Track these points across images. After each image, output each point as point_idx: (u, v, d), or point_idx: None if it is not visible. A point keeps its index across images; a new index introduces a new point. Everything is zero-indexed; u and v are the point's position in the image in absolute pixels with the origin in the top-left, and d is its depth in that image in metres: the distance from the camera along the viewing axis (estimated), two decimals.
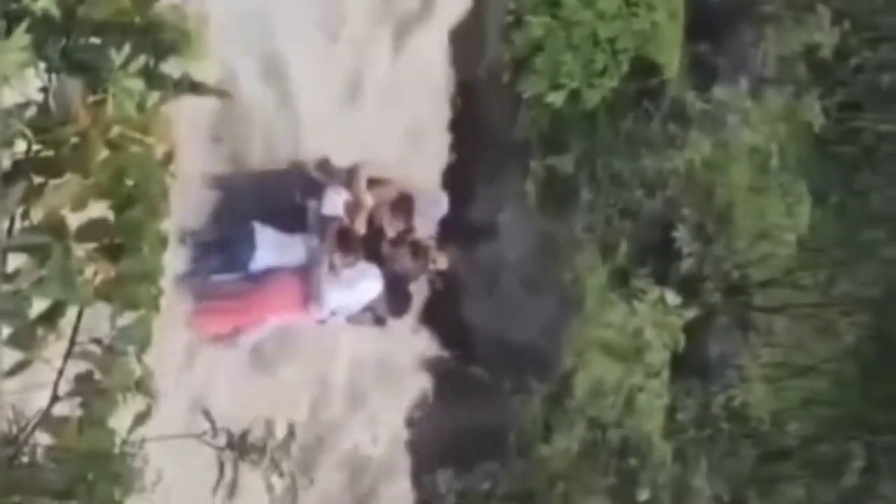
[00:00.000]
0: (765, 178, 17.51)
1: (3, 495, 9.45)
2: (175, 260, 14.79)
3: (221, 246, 15.54)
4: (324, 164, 16.12)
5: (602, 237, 17.38)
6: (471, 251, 17.39)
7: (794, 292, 18.00)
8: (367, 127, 16.64)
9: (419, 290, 17.10)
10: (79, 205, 9.72)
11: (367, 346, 16.87)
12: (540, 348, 17.17)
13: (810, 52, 17.63)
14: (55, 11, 9.19)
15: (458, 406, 17.37)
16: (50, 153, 9.57)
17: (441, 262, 16.51)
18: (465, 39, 17.38)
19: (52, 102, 9.42)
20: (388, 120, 16.96)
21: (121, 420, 9.77)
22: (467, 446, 17.23)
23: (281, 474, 12.72)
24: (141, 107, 10.44)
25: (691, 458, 17.60)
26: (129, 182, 10.90)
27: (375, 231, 16.05)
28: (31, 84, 9.21)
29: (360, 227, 15.83)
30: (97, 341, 9.61)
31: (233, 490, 12.44)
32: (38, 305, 9.11)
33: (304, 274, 15.50)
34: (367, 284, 15.84)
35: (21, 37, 8.87)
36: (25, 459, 9.56)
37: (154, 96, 10.40)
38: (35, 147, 9.34)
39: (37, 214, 9.17)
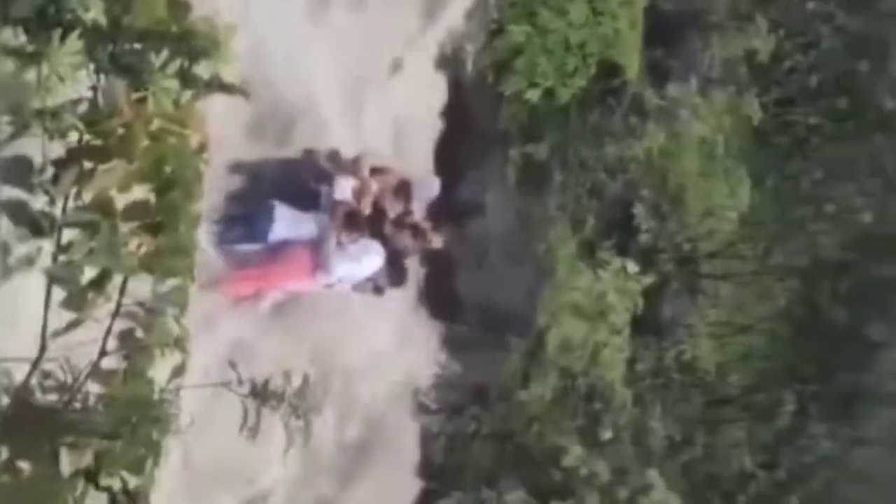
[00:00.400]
0: (711, 165, 17.53)
1: (60, 435, 9.44)
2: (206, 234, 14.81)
3: (245, 219, 15.55)
4: (334, 155, 16.14)
5: (572, 214, 17.44)
6: (461, 228, 17.33)
7: (736, 262, 18.06)
8: (372, 123, 16.64)
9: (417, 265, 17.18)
10: (124, 187, 9.70)
11: (373, 312, 16.68)
12: (519, 310, 17.17)
13: (750, 57, 17.68)
14: (103, 21, 9.14)
15: (449, 359, 17.21)
16: (99, 142, 9.57)
17: (436, 242, 16.54)
18: (455, 47, 17.21)
19: (100, 99, 9.44)
20: (390, 117, 16.92)
21: (159, 372, 9.86)
22: (457, 391, 17.28)
23: (297, 417, 12.53)
24: (177, 103, 10.40)
25: (648, 402, 17.68)
26: (168, 168, 10.87)
27: (379, 213, 16.07)
28: (82, 83, 9.29)
29: (366, 210, 15.88)
30: (140, 304, 9.67)
31: (255, 431, 12.25)
32: (89, 273, 9.06)
33: (315, 247, 15.56)
34: (369, 259, 15.88)
35: (74, 43, 8.86)
36: (78, 405, 9.59)
37: (188, 94, 10.38)
38: (86, 137, 9.42)
39: (87, 195, 9.29)
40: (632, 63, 17.21)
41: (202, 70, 10.20)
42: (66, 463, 9.46)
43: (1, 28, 8.68)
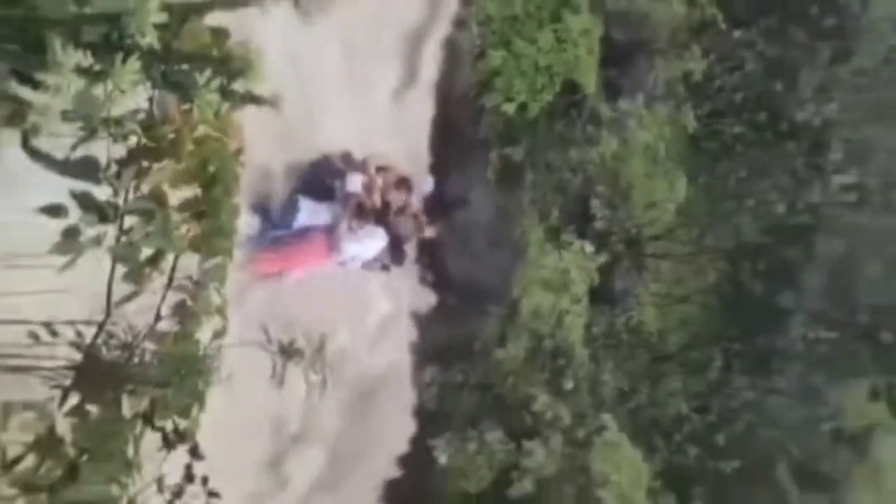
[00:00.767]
0: (654, 166, 17.50)
1: (122, 385, 9.51)
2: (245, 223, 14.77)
3: (275, 210, 15.62)
4: (346, 157, 16.17)
5: (541, 206, 17.39)
6: (450, 217, 17.25)
7: (674, 244, 18.05)
8: (378, 131, 16.60)
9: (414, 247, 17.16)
10: (174, 183, 9.63)
11: (379, 286, 16.70)
12: (497, 283, 17.16)
13: (686, 77, 17.64)
14: (157, 46, 9.05)
15: (441, 324, 17.17)
16: (153, 145, 9.54)
17: (430, 232, 16.68)
18: (446, 69, 17.19)
19: (155, 110, 9.40)
20: (393, 126, 16.87)
21: (203, 333, 9.81)
22: (446, 350, 17.21)
23: (315, 371, 12.52)
24: (217, 114, 10.33)
25: (602, 359, 17.65)
26: (211, 168, 10.80)
27: (384, 204, 16.09)
28: (140, 96, 9.28)
29: (374, 202, 15.96)
30: (188, 278, 9.65)
31: (281, 381, 12.26)
32: (146, 252, 9.05)
33: (330, 232, 15.64)
34: (374, 242, 15.93)
35: (133, 64, 8.81)
36: (137, 360, 9.67)
37: (227, 106, 10.26)
38: (143, 141, 9.40)
39: (144, 188, 9.28)
40: (590, 82, 17.15)
41: (238, 86, 10.17)
42: (127, 407, 9.46)
43: (73, 51, 8.64)
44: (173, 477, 9.88)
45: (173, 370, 9.72)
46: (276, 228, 15.53)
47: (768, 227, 17.84)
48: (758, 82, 17.65)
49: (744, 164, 17.79)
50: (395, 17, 16.68)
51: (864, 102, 17.39)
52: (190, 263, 9.90)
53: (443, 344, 17.16)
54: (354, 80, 16.24)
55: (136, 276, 9.22)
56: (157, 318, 9.52)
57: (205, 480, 9.89)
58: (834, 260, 17.64)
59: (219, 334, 10.02)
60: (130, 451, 9.53)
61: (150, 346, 9.57)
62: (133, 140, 9.16)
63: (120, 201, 8.94)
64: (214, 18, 11.09)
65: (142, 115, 9.21)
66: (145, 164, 9.15)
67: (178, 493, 9.77)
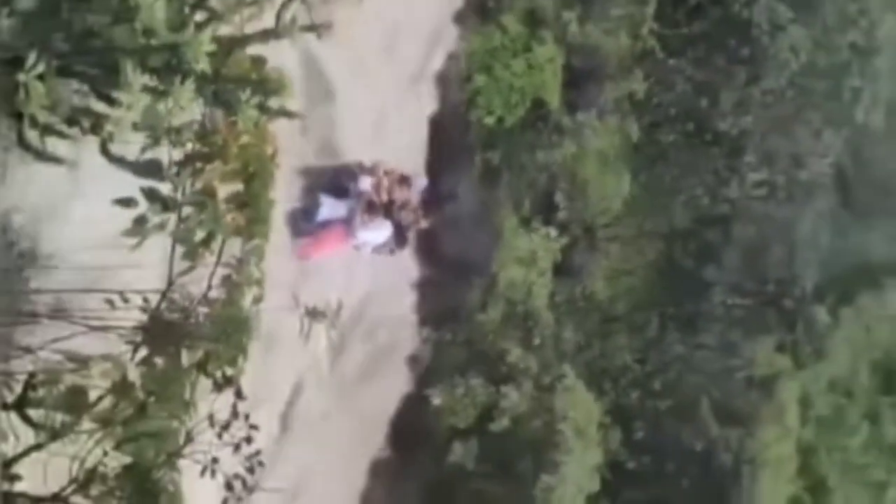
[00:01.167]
0: (605, 167, 17.39)
1: (181, 341, 9.48)
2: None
3: (303, 207, 15.69)
4: (359, 163, 16.21)
5: (515, 199, 17.26)
6: (441, 208, 17.16)
7: (622, 230, 17.86)
8: (384, 139, 16.55)
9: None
10: (223, 180, 9.62)
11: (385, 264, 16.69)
12: (480, 261, 17.09)
13: (631, 96, 17.47)
14: (208, 70, 8.97)
15: (434, 293, 17.19)
16: (206, 150, 9.47)
17: (425, 223, 16.70)
18: (439, 89, 17.16)
19: (207, 122, 9.34)
20: (396, 135, 16.78)
21: (246, 300, 9.72)
22: (439, 313, 17.15)
23: (335, 328, 12.52)
24: (257, 125, 10.29)
25: (563, 321, 17.51)
26: (251, 168, 10.75)
27: (390, 201, 16.18)
28: (195, 111, 9.11)
29: (381, 199, 16.07)
30: (233, 256, 9.59)
31: (307, 337, 12.25)
32: (200, 235, 9.03)
33: (347, 223, 15.81)
34: (381, 231, 16.11)
35: (189, 85, 8.81)
36: (192, 321, 9.60)
37: (264, 119, 10.21)
38: (197, 146, 9.25)
39: (199, 185, 9.14)
40: (554, 99, 17.09)
41: (273, 103, 10.14)
42: (185, 359, 9.46)
43: (142, 75, 8.63)
44: (222, 414, 9.87)
45: (222, 329, 9.73)
46: (305, 221, 15.63)
47: (696, 215, 17.73)
48: (687, 100, 17.56)
49: (676, 166, 17.66)
50: (401, 48, 16.67)
51: (772, 116, 17.36)
52: (234, 245, 9.89)
53: (436, 309, 17.11)
54: (365, 99, 16.24)
55: (192, 254, 9.23)
56: (209, 287, 9.51)
57: (247, 416, 9.88)
58: (747, 242, 17.57)
59: (257, 300, 10.03)
60: (188, 393, 9.56)
61: (203, 309, 9.55)
62: (189, 146, 9.17)
63: (179, 195, 8.93)
64: (254, 49, 11.08)
65: (196, 126, 9.21)
66: (199, 165, 9.16)
67: (225, 426, 9.75)
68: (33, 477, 9.15)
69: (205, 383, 9.93)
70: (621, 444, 16.91)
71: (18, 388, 9.35)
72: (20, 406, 9.26)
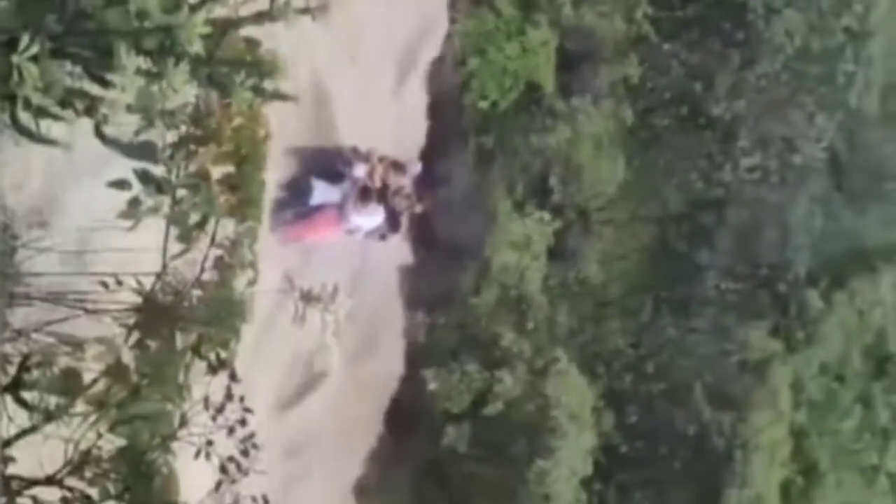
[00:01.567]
0: (599, 151, 17.45)
1: (174, 324, 9.42)
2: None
3: (295, 190, 15.64)
4: (354, 149, 16.16)
5: (508, 183, 17.30)
6: (435, 192, 17.14)
7: (615, 213, 17.92)
8: (379, 126, 16.56)
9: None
10: (215, 162, 9.57)
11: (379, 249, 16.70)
12: (474, 245, 17.15)
13: (625, 80, 17.52)
14: (202, 53, 8.93)
15: (428, 276, 17.18)
16: (199, 133, 9.42)
17: (419, 207, 16.66)
18: (433, 74, 17.14)
19: (201, 104, 9.27)
20: (390, 118, 16.79)
21: (239, 283, 9.69)
22: (433, 297, 17.18)
23: (330, 312, 12.50)
24: (250, 108, 10.24)
25: (556, 305, 17.61)
26: (244, 151, 10.72)
27: (384, 186, 16.14)
28: (189, 94, 9.05)
29: (375, 184, 16.01)
30: (226, 238, 9.57)
31: (302, 321, 12.23)
32: (193, 218, 9.00)
33: (340, 208, 15.72)
34: (373, 218, 16.03)
35: (183, 67, 8.80)
36: (186, 303, 9.55)
37: (258, 101, 10.17)
38: (191, 129, 9.21)
39: (192, 167, 9.13)
40: (548, 83, 17.15)
41: (267, 85, 10.10)
42: (179, 341, 9.43)
43: (136, 57, 8.60)
44: (216, 396, 9.87)
45: (215, 311, 9.69)
46: (297, 205, 15.57)
47: (689, 199, 17.81)
48: (682, 84, 17.60)
49: (670, 150, 17.73)
50: (395, 32, 16.63)
51: (766, 100, 17.38)
52: (228, 226, 9.87)
53: (429, 293, 17.14)
54: (360, 82, 16.21)
55: (186, 236, 9.17)
56: (202, 270, 9.48)
57: (241, 399, 9.88)
58: (740, 226, 17.64)
59: (251, 283, 9.97)
60: (182, 376, 9.53)
61: (196, 292, 9.52)
62: (183, 128, 9.12)
63: (173, 177, 8.89)
64: (248, 31, 11.05)
65: (190, 109, 9.15)
66: (193, 147, 9.09)
67: (220, 409, 9.74)
68: (27, 459, 9.17)
69: (199, 366, 9.92)
70: (614, 427, 17.00)
71: (13, 371, 9.35)
72: (15, 388, 9.26)
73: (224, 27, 9.54)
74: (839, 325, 17.57)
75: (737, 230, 17.58)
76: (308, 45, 15.05)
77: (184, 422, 9.55)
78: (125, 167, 9.06)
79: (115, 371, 9.17)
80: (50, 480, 9.21)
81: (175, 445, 9.64)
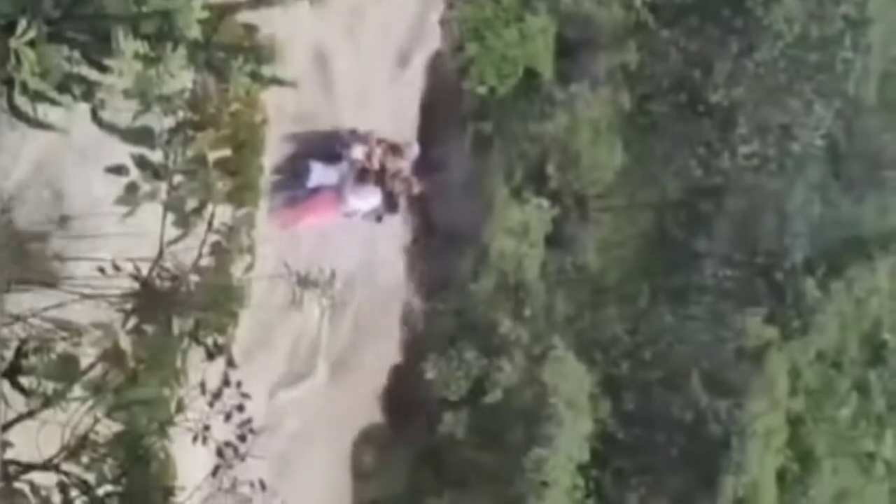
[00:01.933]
0: (597, 137, 17.41)
1: (171, 309, 9.39)
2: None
3: (293, 173, 15.50)
4: (352, 131, 16.04)
5: (506, 170, 17.25)
6: (432, 177, 17.03)
7: (613, 200, 17.91)
8: (378, 110, 16.49)
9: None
10: (212, 147, 9.53)
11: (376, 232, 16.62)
12: (471, 231, 17.09)
13: (623, 66, 17.49)
14: (200, 38, 8.90)
15: (425, 262, 17.18)
16: (197, 117, 9.38)
17: (416, 188, 16.52)
18: (432, 59, 17.07)
19: (198, 89, 9.23)
20: (389, 103, 16.72)
21: (237, 268, 9.68)
22: (430, 283, 17.17)
23: (327, 297, 12.49)
24: (248, 93, 10.23)
25: (554, 292, 17.60)
26: (242, 136, 10.69)
27: (382, 167, 16.04)
28: (186, 78, 9.01)
29: (373, 166, 15.91)
30: (224, 224, 9.55)
31: (299, 306, 12.23)
32: (191, 203, 8.99)
33: (337, 190, 15.60)
34: (370, 200, 15.92)
35: (181, 52, 8.73)
36: (184, 289, 9.50)
37: (256, 87, 10.18)
38: (188, 114, 9.17)
39: (190, 152, 9.10)
40: (547, 70, 17.08)
41: (265, 70, 10.08)
42: (176, 326, 9.41)
43: (133, 41, 8.58)
44: (213, 382, 9.88)
45: (212, 297, 9.67)
46: (295, 188, 15.48)
47: (687, 187, 17.82)
48: (680, 71, 17.57)
49: (668, 137, 17.71)
50: (393, 16, 16.58)
51: (764, 87, 17.37)
52: (225, 212, 9.85)
53: (427, 278, 17.13)
54: (358, 67, 16.16)
55: (183, 222, 9.17)
56: (200, 255, 9.47)
57: (238, 384, 9.89)
58: (738, 213, 17.64)
59: (249, 268, 9.95)
60: (179, 361, 9.52)
61: (194, 277, 9.51)
62: (181, 113, 9.10)
63: (170, 162, 8.89)
64: (246, 16, 11.01)
65: (188, 94, 9.14)
66: (190, 132, 9.08)
67: (217, 394, 9.75)
68: (25, 444, 9.17)
69: (196, 351, 9.92)
70: (611, 414, 17.02)
71: (10, 356, 9.35)
72: (12, 373, 9.26)
73: (222, 12, 9.53)
74: (836, 312, 17.60)
75: (734, 217, 17.59)
76: (306, 30, 15.04)
77: (181, 407, 9.55)
78: (122, 152, 9.06)
79: (113, 356, 9.16)
80: (47, 465, 9.22)
81: (172, 430, 9.65)
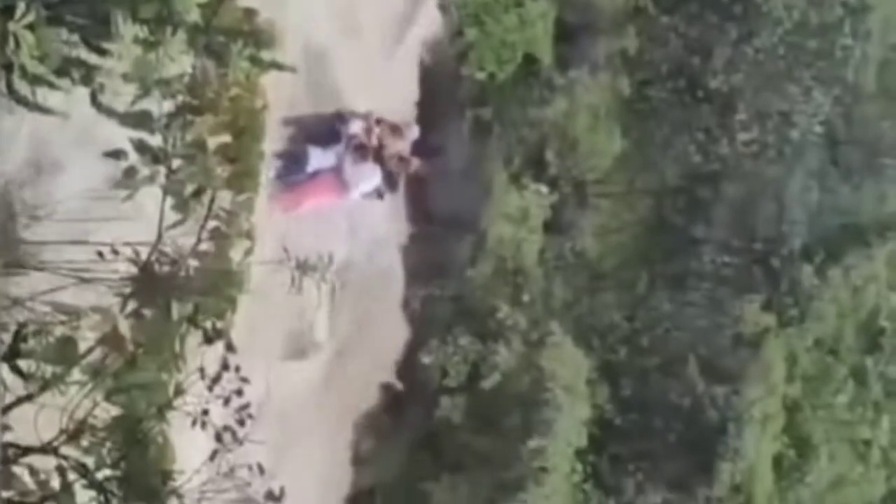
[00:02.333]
0: (596, 122, 17.42)
1: (170, 293, 9.36)
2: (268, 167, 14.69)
3: (292, 157, 15.57)
4: (351, 111, 16.06)
5: (505, 155, 17.25)
6: (431, 161, 17.04)
7: (612, 186, 17.92)
8: (376, 91, 16.43)
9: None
10: (213, 133, 9.51)
11: (374, 215, 16.65)
12: (470, 216, 17.11)
13: (623, 52, 17.47)
14: (200, 22, 8.87)
15: (423, 247, 17.18)
16: (196, 102, 9.37)
17: (414, 165, 16.51)
18: (431, 43, 17.05)
19: (198, 74, 9.21)
20: (388, 88, 16.71)
21: (236, 253, 9.68)
22: (428, 269, 17.13)
23: (326, 282, 12.48)
24: (248, 77, 10.20)
25: (552, 278, 17.63)
26: (241, 121, 10.67)
27: (381, 145, 16.04)
28: (186, 63, 8.98)
29: (371, 142, 15.92)
30: (223, 209, 9.52)
31: (299, 290, 12.19)
32: (190, 188, 9.02)
33: (336, 172, 15.64)
34: (371, 178, 15.94)
35: (180, 36, 8.71)
36: (183, 273, 9.47)
37: (255, 71, 10.16)
38: (188, 98, 9.16)
39: (189, 137, 9.04)
40: (546, 55, 17.08)
41: (264, 55, 10.05)
42: (175, 311, 9.40)
43: (132, 25, 8.57)
44: (212, 366, 9.89)
45: (212, 281, 9.67)
46: (293, 172, 15.49)
47: (686, 172, 17.82)
48: (679, 57, 17.56)
49: (667, 123, 17.71)
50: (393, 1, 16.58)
51: (763, 74, 17.36)
52: (225, 197, 9.84)
53: (425, 264, 17.12)
54: (358, 51, 16.14)
55: (182, 206, 9.16)
56: (199, 240, 9.45)
57: (237, 369, 9.89)
58: (737, 200, 17.65)
59: (248, 253, 9.96)
60: (177, 345, 9.52)
61: (193, 262, 9.50)
62: (180, 98, 9.09)
63: (169, 147, 8.87)
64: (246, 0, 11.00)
65: (187, 78, 9.12)
66: (189, 117, 9.07)
67: (216, 379, 9.74)
68: (23, 427, 9.18)
69: (195, 336, 9.92)
70: (609, 400, 17.05)
71: (9, 339, 9.35)
72: (11, 357, 9.26)
73: None
74: (833, 299, 17.63)
75: (733, 204, 17.59)
76: (306, 14, 15.01)
77: (180, 391, 9.55)
78: (121, 136, 9.04)
79: (112, 340, 9.16)
80: (45, 448, 9.23)
81: (171, 415, 9.66)
